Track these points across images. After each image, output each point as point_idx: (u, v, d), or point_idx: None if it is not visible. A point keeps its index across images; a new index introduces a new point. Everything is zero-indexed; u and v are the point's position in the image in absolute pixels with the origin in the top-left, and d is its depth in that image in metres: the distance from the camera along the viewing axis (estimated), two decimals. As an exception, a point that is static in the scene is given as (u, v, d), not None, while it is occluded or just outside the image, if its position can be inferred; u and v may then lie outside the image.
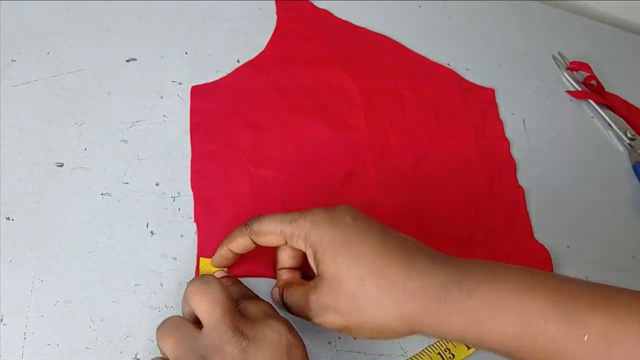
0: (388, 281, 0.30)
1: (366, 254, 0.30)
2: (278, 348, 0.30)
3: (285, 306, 0.35)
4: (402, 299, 0.29)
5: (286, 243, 0.34)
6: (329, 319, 0.31)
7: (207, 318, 0.30)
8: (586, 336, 0.26)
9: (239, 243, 0.35)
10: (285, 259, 0.37)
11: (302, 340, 0.31)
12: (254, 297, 0.35)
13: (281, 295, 0.35)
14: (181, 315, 0.33)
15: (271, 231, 0.34)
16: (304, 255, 0.35)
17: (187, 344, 0.29)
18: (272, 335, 0.30)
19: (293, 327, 0.32)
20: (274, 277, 0.38)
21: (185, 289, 0.31)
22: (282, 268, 0.37)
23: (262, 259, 0.38)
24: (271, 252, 0.38)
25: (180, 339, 0.30)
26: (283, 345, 0.30)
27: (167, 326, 0.31)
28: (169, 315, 0.32)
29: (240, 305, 0.33)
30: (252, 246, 0.36)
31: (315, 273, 0.33)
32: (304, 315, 0.33)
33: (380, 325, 0.30)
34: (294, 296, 0.34)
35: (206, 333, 0.30)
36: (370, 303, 0.30)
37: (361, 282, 0.30)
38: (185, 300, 0.32)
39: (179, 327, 0.30)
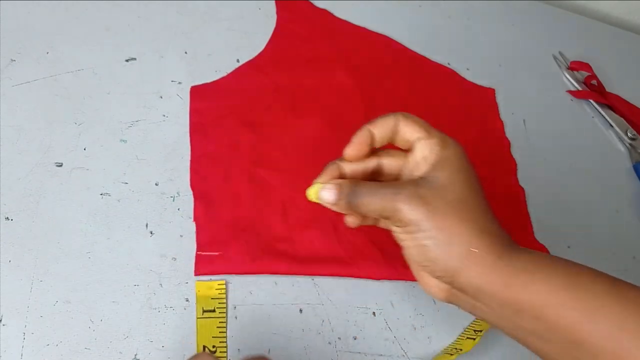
0: (477, 219, 0.32)
1: (478, 189, 0.34)
2: None
3: (350, 205, 0.34)
4: (474, 241, 0.31)
5: (410, 148, 0.34)
6: (414, 209, 0.32)
7: None
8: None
9: (385, 124, 0.34)
10: (388, 162, 0.36)
11: None
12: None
13: (350, 188, 0.34)
14: None
15: (418, 122, 0.34)
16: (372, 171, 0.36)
17: None
18: None
19: None
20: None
21: None
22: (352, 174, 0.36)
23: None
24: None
25: None
26: None
27: None
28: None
29: None
30: (392, 128, 0.34)
31: (417, 174, 0.33)
32: (381, 206, 0.33)
33: (441, 250, 0.31)
34: (373, 189, 0.33)
35: None
36: (452, 225, 0.31)
37: (460, 206, 0.32)
38: None
39: None
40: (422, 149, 0.34)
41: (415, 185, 0.32)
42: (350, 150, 0.35)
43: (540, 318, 0.30)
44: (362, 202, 0.34)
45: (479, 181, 0.35)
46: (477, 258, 0.31)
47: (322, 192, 0.35)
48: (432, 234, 0.31)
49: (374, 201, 0.33)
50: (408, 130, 0.34)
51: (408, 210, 0.32)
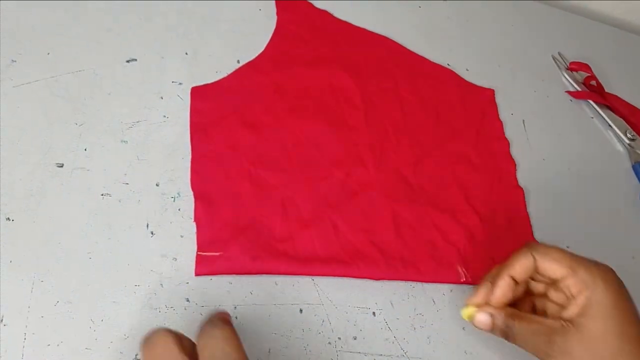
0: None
1: (635, 336, 0.32)
2: None
3: (506, 334, 0.35)
4: None
5: (557, 281, 0.35)
6: None
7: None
8: None
9: (523, 265, 0.35)
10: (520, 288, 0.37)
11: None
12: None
13: (505, 324, 0.35)
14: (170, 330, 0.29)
15: (559, 259, 0.35)
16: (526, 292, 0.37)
17: None
18: None
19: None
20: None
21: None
22: (505, 303, 0.37)
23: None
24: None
25: None
26: None
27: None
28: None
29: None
30: (532, 269, 0.36)
31: (567, 317, 0.34)
32: (534, 348, 0.34)
33: None
34: (528, 329, 0.34)
35: None
36: None
37: (619, 354, 0.32)
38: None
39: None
40: (567, 288, 0.34)
41: (565, 337, 0.33)
42: (496, 299, 0.36)
43: None
44: (515, 341, 0.35)
45: (637, 321, 0.33)
46: None
47: (477, 317, 0.36)
48: None
49: (525, 346, 0.34)
50: (549, 268, 0.35)
51: None
